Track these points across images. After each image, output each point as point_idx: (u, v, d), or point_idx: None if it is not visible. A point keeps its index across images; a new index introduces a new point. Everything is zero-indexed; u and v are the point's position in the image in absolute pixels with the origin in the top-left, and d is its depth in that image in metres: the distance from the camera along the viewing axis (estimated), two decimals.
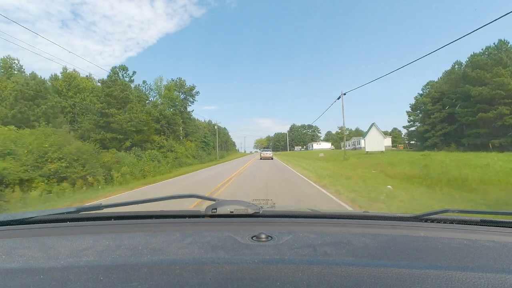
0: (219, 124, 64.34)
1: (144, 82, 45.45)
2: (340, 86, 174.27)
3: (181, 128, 44.83)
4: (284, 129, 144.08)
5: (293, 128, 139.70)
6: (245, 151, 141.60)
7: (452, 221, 1.11)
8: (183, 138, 45.56)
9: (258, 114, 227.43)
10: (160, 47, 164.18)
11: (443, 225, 1.09)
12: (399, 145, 57.22)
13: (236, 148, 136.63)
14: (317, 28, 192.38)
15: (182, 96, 48.52)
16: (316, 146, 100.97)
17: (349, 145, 66.32)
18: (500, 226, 1.05)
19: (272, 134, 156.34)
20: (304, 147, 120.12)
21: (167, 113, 40.84)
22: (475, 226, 1.07)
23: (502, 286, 0.57)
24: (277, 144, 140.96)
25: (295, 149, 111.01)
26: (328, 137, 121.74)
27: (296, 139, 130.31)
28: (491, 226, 1.06)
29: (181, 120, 44.89)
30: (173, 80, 47.82)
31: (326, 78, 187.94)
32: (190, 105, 50.59)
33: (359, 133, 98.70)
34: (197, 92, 50.78)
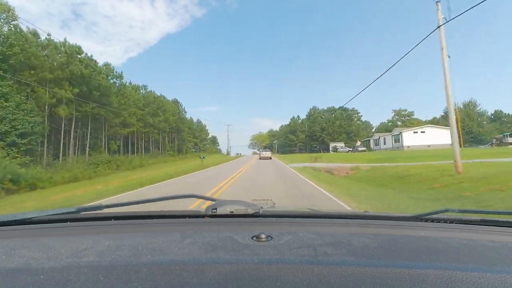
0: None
1: None
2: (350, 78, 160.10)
3: None
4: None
5: (314, 113, 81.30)
6: (228, 152, 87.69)
7: (452, 221, 1.11)
8: None
9: (258, 114, 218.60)
10: (161, 47, 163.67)
11: (443, 224, 1.09)
12: None
13: (218, 147, 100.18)
14: (320, 24, 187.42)
15: None
16: (411, 139, 43.34)
17: None
18: (501, 226, 1.06)
19: (277, 128, 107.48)
20: (360, 143, 62.94)
21: None
22: (476, 226, 1.07)
23: (503, 286, 0.57)
24: (291, 139, 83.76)
25: (338, 149, 58.49)
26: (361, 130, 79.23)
27: (329, 130, 71.85)
28: (491, 226, 1.06)
29: None
30: None
31: (335, 68, 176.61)
32: None
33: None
34: None
